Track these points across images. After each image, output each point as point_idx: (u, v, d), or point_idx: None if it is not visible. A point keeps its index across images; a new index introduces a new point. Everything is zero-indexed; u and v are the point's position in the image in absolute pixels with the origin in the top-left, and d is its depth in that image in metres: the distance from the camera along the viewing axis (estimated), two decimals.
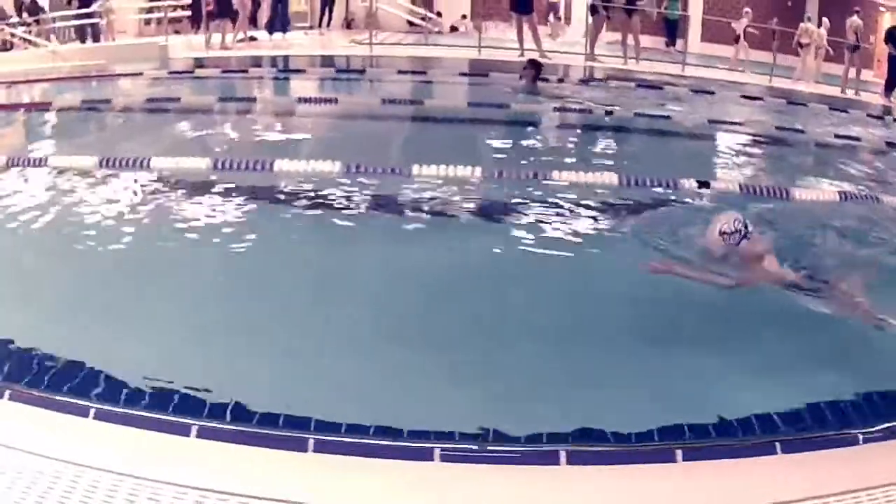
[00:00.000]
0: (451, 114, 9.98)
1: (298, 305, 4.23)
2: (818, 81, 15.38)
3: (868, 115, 12.84)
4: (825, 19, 16.87)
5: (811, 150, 9.85)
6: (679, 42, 20.94)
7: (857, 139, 10.15)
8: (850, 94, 15.19)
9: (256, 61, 14.93)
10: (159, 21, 21.36)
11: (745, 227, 4.47)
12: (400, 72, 13.12)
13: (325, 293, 4.40)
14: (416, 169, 6.48)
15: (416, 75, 13.01)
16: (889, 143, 9.95)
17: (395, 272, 4.74)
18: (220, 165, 6.68)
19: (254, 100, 10.59)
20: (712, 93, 13.35)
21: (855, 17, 15.72)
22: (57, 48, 15.84)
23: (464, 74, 12.16)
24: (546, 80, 11.77)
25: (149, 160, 6.82)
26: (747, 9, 16.78)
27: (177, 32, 20.50)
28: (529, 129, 9.47)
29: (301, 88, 12.39)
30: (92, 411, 2.97)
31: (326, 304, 4.24)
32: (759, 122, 11.06)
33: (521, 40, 15.84)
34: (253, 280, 4.59)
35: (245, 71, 13.85)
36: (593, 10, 15.98)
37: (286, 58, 15.52)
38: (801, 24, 16.12)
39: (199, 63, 14.28)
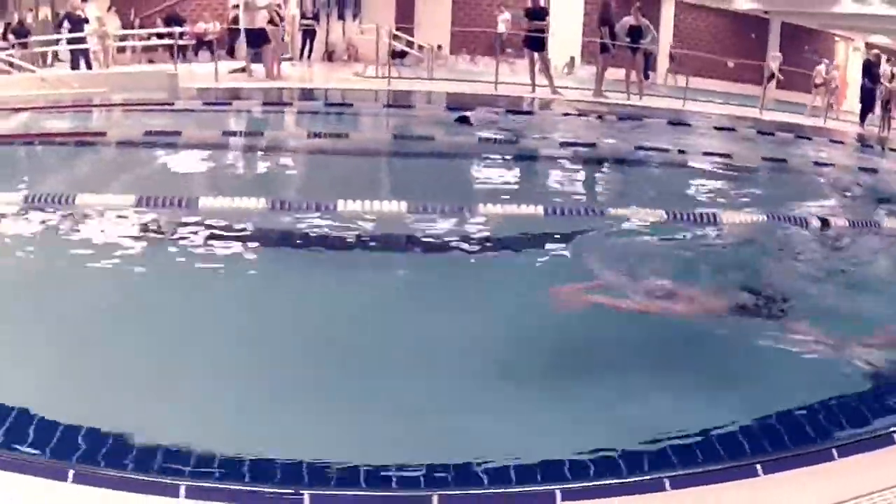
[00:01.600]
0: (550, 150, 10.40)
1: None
2: (831, 118, 16.65)
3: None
4: (825, 61, 18.45)
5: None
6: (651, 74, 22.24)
7: None
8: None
9: (285, 95, 14.85)
10: (133, 50, 21.03)
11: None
12: (449, 108, 13.34)
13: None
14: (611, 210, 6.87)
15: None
16: None
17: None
18: (417, 209, 6.28)
19: (346, 136, 10.49)
20: (733, 129, 14.23)
21: (886, 65, 17.20)
22: (46, 74, 15.34)
23: (515, 112, 12.48)
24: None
25: (334, 205, 6.24)
26: (776, 53, 18.06)
27: (150, 62, 20.22)
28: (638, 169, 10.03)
29: (374, 123, 12.48)
30: None
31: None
32: (813, 159, 11.99)
33: (532, 76, 16.59)
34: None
35: (290, 104, 13.84)
36: (603, 48, 16.77)
37: (314, 91, 15.53)
38: (817, 67, 17.59)
39: (219, 93, 14.13)
